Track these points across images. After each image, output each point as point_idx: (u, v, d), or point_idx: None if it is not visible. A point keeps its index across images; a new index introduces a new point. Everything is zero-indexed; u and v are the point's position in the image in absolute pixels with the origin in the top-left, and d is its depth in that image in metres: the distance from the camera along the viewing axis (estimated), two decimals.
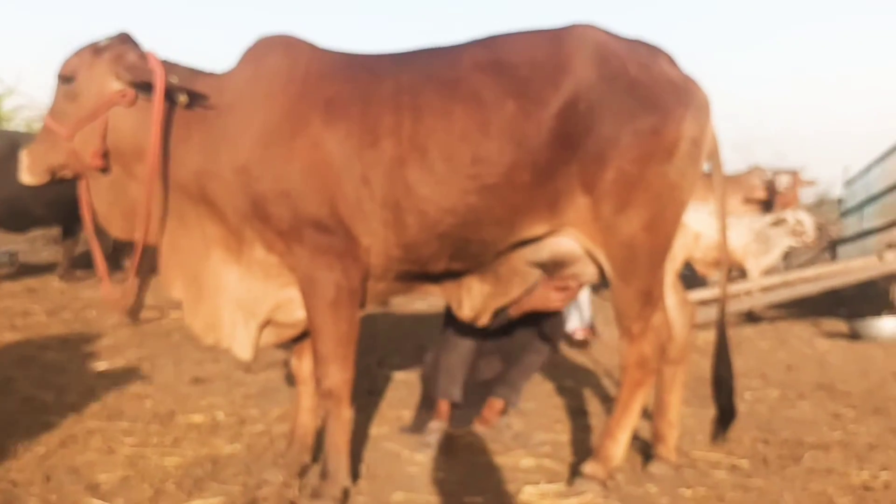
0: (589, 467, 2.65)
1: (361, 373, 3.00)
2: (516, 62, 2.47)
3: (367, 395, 3.89)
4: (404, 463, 2.93)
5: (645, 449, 3.00)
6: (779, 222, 7.21)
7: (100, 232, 2.74)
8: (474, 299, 2.81)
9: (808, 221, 7.26)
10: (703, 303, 5.80)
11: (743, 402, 3.96)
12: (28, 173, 2.61)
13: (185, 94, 2.43)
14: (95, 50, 2.52)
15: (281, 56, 2.56)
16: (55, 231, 8.74)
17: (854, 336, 6.11)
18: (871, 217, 8.96)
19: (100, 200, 2.63)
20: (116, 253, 7.58)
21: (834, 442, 3.25)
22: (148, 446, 3.03)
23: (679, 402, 2.92)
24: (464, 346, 3.28)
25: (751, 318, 7.22)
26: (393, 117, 2.41)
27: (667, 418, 2.89)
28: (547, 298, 2.97)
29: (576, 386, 4.27)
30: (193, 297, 2.65)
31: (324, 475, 2.50)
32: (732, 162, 13.30)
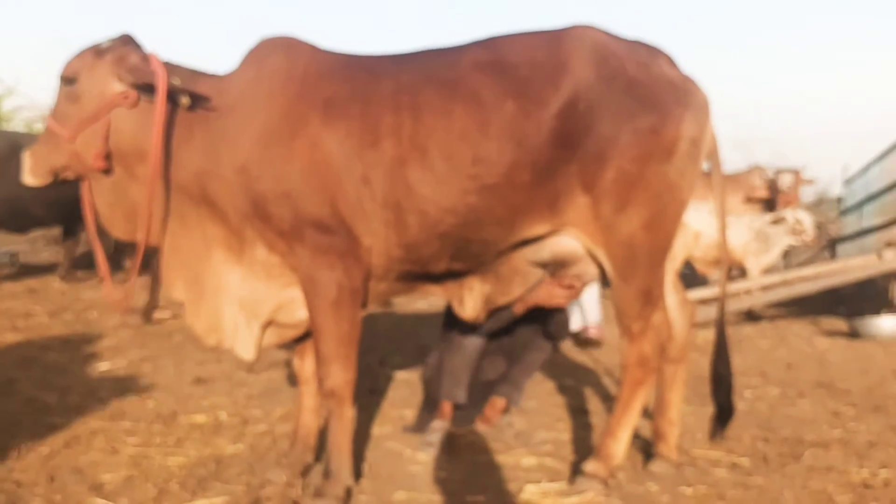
0: (590, 466, 2.66)
1: (363, 372, 3.01)
2: (516, 62, 2.48)
3: (368, 395, 3.90)
4: (406, 462, 2.94)
5: (646, 447, 3.01)
6: (778, 221, 7.23)
7: (101, 232, 2.75)
8: (476, 299, 2.81)
9: (807, 220, 7.28)
10: (703, 302, 5.81)
11: (743, 400, 3.97)
12: (31, 175, 2.62)
13: (186, 96, 2.44)
14: (97, 52, 2.53)
15: (281, 57, 2.57)
16: (56, 231, 8.75)
17: (853, 334, 6.13)
18: (871, 215, 8.98)
19: (102, 201, 2.64)
20: (117, 254, 7.59)
21: (834, 440, 3.26)
22: (151, 446, 3.04)
23: (679, 400, 2.93)
24: (468, 349, 3.29)
25: (751, 316, 7.24)
26: (393, 117, 2.43)
27: (667, 417, 2.90)
28: (550, 295, 2.98)
29: (577, 385, 4.28)
30: (195, 297, 2.66)
31: (326, 474, 2.51)
32: (732, 161, 13.32)
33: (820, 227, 10.14)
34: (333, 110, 2.45)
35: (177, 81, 2.44)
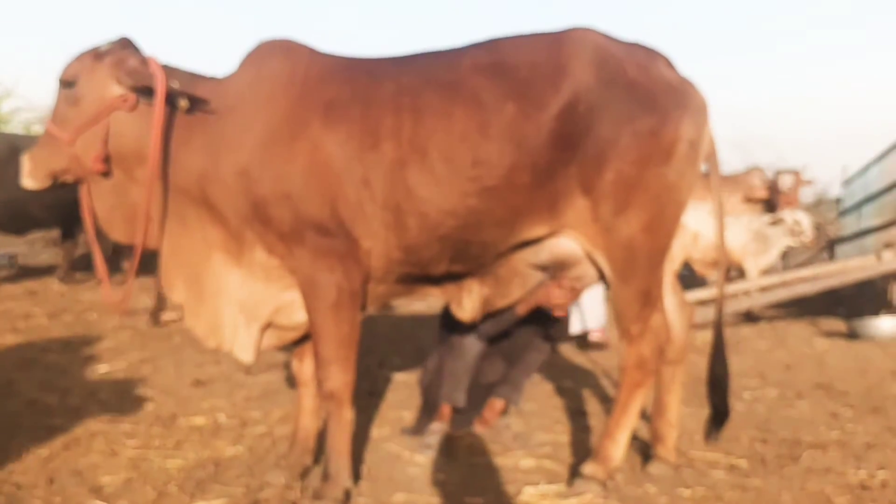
0: (588, 468, 2.67)
1: (362, 374, 3.01)
2: (516, 65, 2.49)
3: (367, 397, 3.91)
4: (405, 464, 2.95)
5: (644, 449, 3.02)
6: (777, 222, 7.24)
7: (99, 234, 2.76)
8: (474, 300, 2.82)
9: (806, 221, 7.28)
10: (702, 303, 5.82)
11: (741, 401, 3.98)
12: (30, 178, 2.62)
13: (185, 99, 2.45)
14: (96, 55, 2.54)
15: (281, 59, 2.57)
16: (54, 233, 8.76)
17: (852, 335, 6.13)
18: (869, 216, 8.98)
19: (101, 204, 2.65)
20: (116, 255, 7.59)
21: (832, 441, 3.27)
22: (150, 448, 3.04)
23: (678, 402, 2.94)
24: (469, 352, 3.28)
25: (749, 317, 7.24)
26: (393, 119, 2.43)
27: (666, 418, 2.91)
28: (551, 296, 2.98)
29: (575, 387, 4.29)
30: (195, 300, 2.67)
31: (325, 477, 2.51)
32: (730, 161, 13.34)
33: (819, 228, 10.14)
34: (334, 113, 2.45)
35: (176, 84, 2.44)
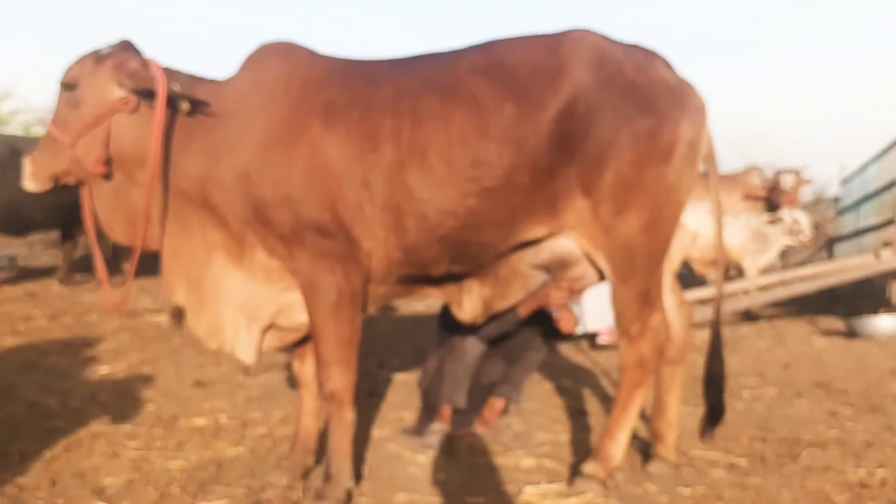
0: (589, 467, 2.68)
1: (362, 375, 3.02)
2: (515, 66, 2.50)
3: (368, 398, 3.92)
4: (406, 464, 2.96)
5: (644, 448, 3.03)
6: (775, 221, 7.25)
7: (99, 236, 2.77)
8: (474, 301, 2.83)
9: (804, 220, 7.30)
10: (701, 302, 5.83)
11: (741, 400, 3.99)
12: (31, 180, 2.63)
13: (186, 101, 2.46)
14: (97, 58, 2.55)
15: (281, 62, 2.58)
16: (54, 235, 8.75)
17: (851, 334, 6.14)
18: (868, 215, 8.99)
19: (102, 207, 2.66)
20: (116, 257, 7.60)
21: (831, 440, 3.28)
22: (152, 450, 3.05)
23: (677, 401, 2.95)
24: (470, 355, 3.29)
25: (748, 316, 7.26)
26: (393, 121, 2.44)
27: (665, 418, 2.92)
28: (551, 297, 3.00)
29: (575, 386, 4.30)
30: (196, 301, 2.68)
31: (327, 477, 2.52)
32: (728, 160, 13.34)
33: (817, 226, 10.16)
34: (333, 115, 2.46)
35: (176, 87, 2.45)
